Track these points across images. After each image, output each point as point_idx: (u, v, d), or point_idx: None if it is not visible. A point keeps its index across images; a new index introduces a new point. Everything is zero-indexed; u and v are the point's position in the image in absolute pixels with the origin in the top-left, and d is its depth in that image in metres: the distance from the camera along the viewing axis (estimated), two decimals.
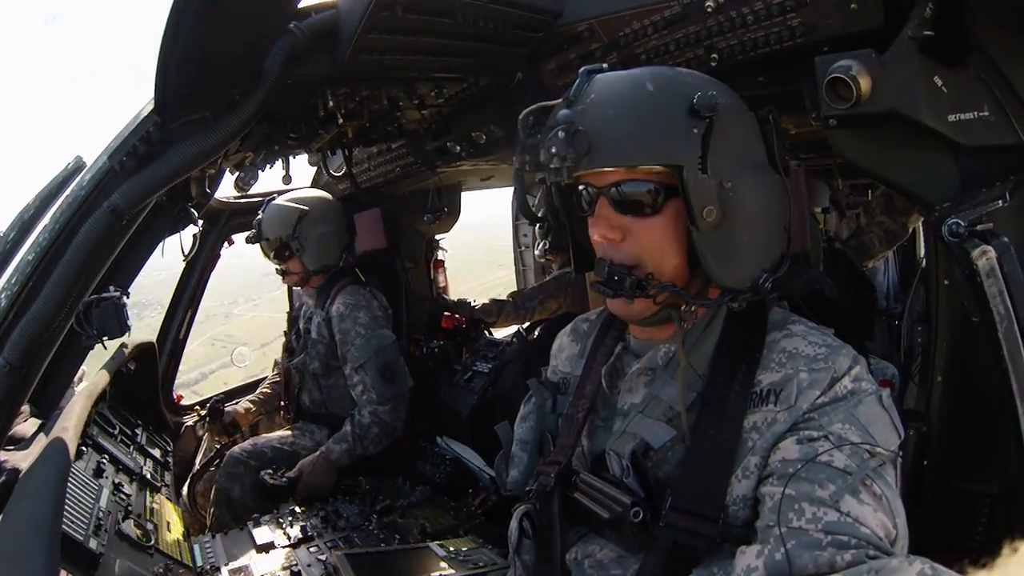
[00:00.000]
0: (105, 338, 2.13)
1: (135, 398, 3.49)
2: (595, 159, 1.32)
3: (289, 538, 2.64)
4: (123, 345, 3.25)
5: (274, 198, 3.80)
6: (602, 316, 1.79)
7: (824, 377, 1.30)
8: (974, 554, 1.71)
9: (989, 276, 1.42)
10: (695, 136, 1.30)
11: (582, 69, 1.42)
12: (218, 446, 3.97)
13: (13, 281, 1.93)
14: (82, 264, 1.86)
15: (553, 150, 1.30)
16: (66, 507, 1.77)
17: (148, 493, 2.58)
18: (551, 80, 2.46)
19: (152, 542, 2.14)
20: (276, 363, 4.45)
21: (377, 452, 3.58)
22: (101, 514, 2.01)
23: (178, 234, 2.82)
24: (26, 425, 2.12)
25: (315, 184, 4.52)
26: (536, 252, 5.53)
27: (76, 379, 2.53)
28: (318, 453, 3.48)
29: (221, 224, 4.33)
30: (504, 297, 4.88)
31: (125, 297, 2.16)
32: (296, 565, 2.38)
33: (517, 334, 4.26)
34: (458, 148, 3.20)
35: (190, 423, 4.15)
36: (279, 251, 3.76)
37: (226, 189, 3.27)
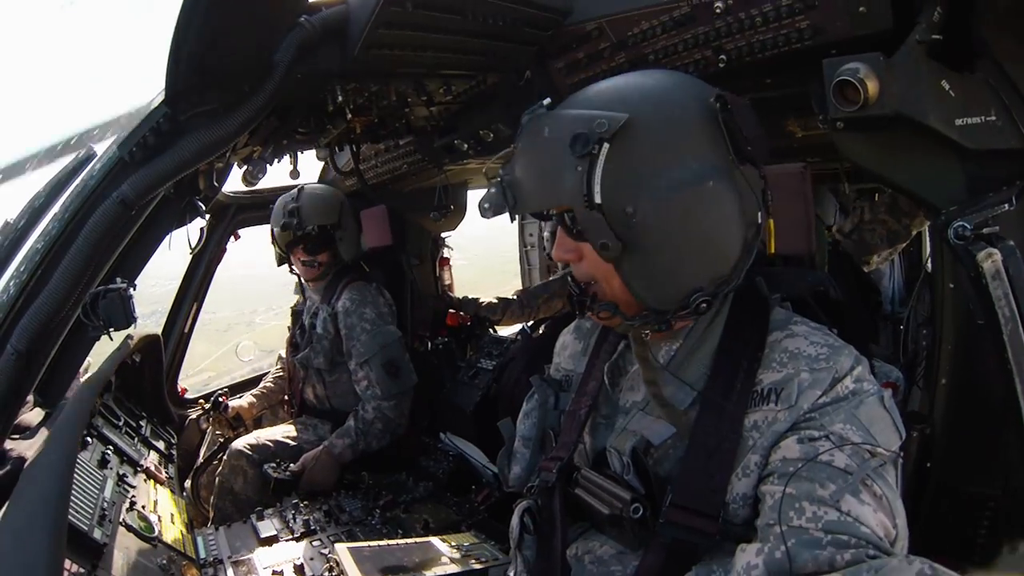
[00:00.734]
0: (111, 329, 2.14)
1: (140, 390, 3.51)
2: (517, 207, 1.45)
3: (292, 532, 2.65)
4: (128, 337, 3.26)
5: (303, 188, 3.80)
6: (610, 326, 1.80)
7: (825, 377, 1.30)
8: (977, 557, 1.72)
9: (995, 279, 1.43)
10: (579, 174, 1.30)
11: (524, 113, 1.45)
12: (222, 439, 3.98)
13: (22, 269, 1.94)
14: (90, 254, 1.87)
15: (493, 201, 1.47)
16: (71, 497, 1.78)
17: (152, 485, 2.59)
18: (560, 79, 2.47)
19: (156, 534, 2.15)
20: (280, 358, 4.46)
21: (380, 447, 3.59)
22: (105, 504, 2.02)
23: (185, 227, 2.82)
24: (32, 414, 2.12)
25: (322, 180, 4.53)
26: (546, 247, 5.53)
27: (82, 370, 2.53)
28: (321, 448, 3.48)
29: (228, 218, 4.33)
30: (510, 295, 4.88)
31: (132, 289, 2.17)
32: (299, 559, 2.39)
33: (521, 332, 4.26)
34: (465, 146, 3.20)
35: (194, 416, 4.17)
36: (321, 241, 3.76)
37: (233, 183, 3.28)
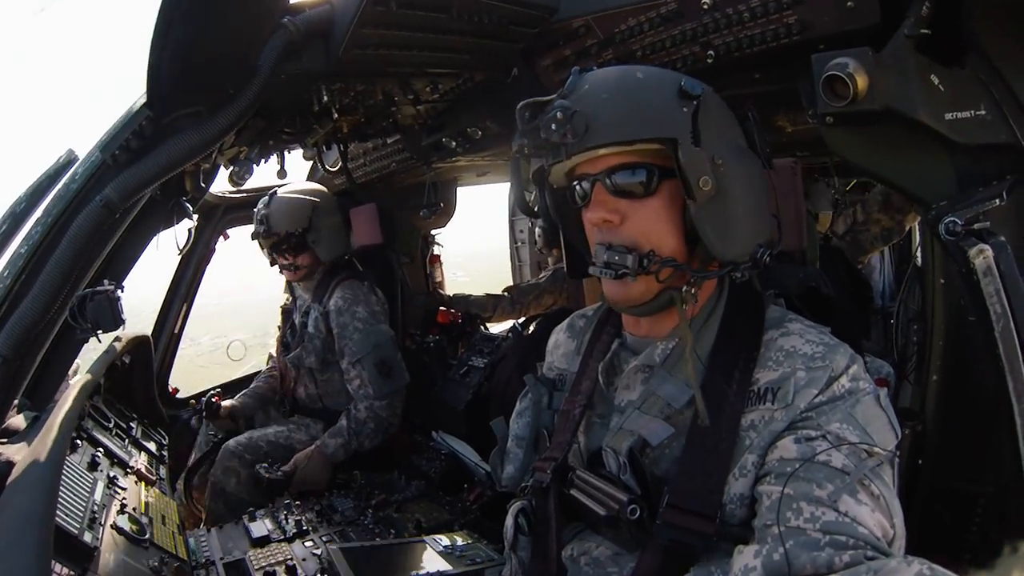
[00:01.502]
0: (99, 331, 2.13)
1: (130, 391, 3.49)
2: (592, 138, 1.36)
3: (284, 532, 2.64)
4: (117, 338, 3.24)
5: (275, 192, 3.77)
6: (598, 312, 1.79)
7: (822, 376, 1.30)
8: (969, 554, 1.72)
9: (986, 275, 1.42)
10: (685, 114, 1.35)
11: (574, 69, 1.44)
12: (214, 440, 3.96)
13: (5, 274, 1.92)
14: (75, 257, 1.86)
15: (553, 127, 1.34)
16: (60, 500, 1.76)
17: (143, 487, 2.57)
18: (546, 76, 2.46)
19: (147, 536, 2.13)
20: (271, 357, 4.44)
21: (373, 447, 3.58)
22: (96, 507, 2.00)
23: (173, 228, 2.81)
24: (20, 418, 2.11)
25: (310, 179, 4.51)
26: (537, 242, 5.54)
27: (71, 372, 2.52)
28: (313, 447, 3.48)
29: (216, 219, 4.33)
30: (500, 292, 4.88)
31: (120, 291, 2.16)
32: (291, 559, 2.38)
33: (513, 329, 4.27)
34: (454, 143, 3.19)
35: (185, 417, 4.15)
36: (294, 245, 3.74)
37: (221, 184, 3.26)
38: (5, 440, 1.97)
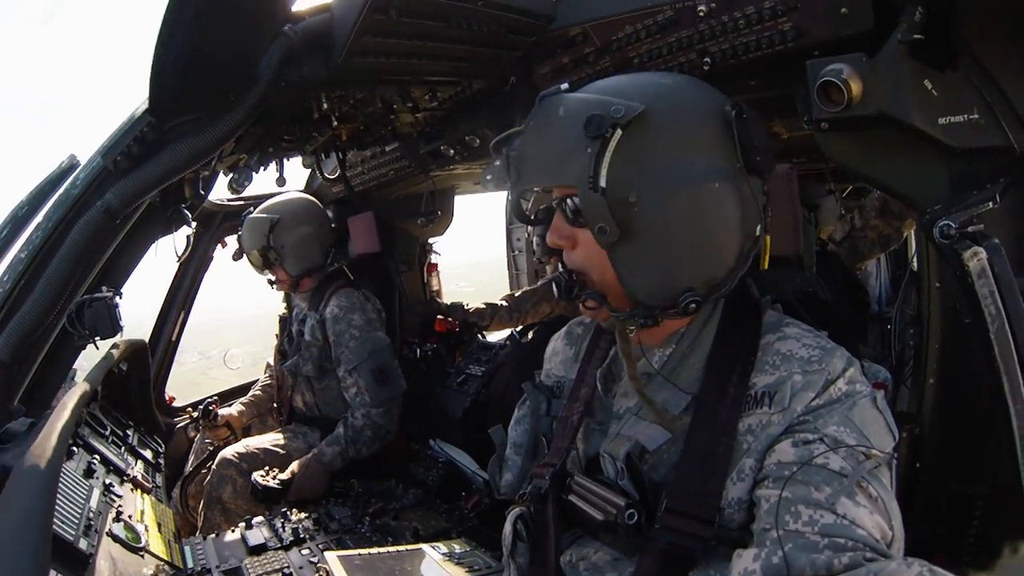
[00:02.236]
0: (97, 338, 2.13)
1: (127, 399, 3.48)
2: (523, 180, 1.44)
3: (281, 540, 2.63)
4: (115, 345, 3.24)
5: (251, 212, 3.82)
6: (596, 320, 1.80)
7: (818, 379, 1.30)
8: (967, 555, 1.72)
9: (980, 277, 1.43)
10: (588, 155, 1.29)
11: (540, 95, 1.44)
12: (210, 448, 3.96)
13: (5, 279, 1.93)
14: (75, 263, 1.86)
15: (495, 174, 1.46)
16: (56, 507, 1.75)
17: (139, 494, 2.56)
18: (544, 84, 2.47)
19: (143, 544, 2.12)
20: (268, 365, 4.44)
21: (370, 455, 3.57)
22: (91, 515, 1.99)
23: (172, 235, 2.82)
24: (17, 424, 2.11)
25: (308, 187, 4.53)
26: (535, 251, 5.54)
27: (68, 379, 2.52)
28: (310, 455, 3.46)
29: (215, 226, 4.34)
30: (497, 300, 4.88)
31: (118, 297, 2.16)
32: (288, 567, 2.37)
33: (510, 337, 4.27)
34: (452, 151, 3.20)
35: (182, 425, 4.14)
36: (264, 262, 3.77)
37: (220, 191, 3.27)
38: (2, 445, 1.96)
